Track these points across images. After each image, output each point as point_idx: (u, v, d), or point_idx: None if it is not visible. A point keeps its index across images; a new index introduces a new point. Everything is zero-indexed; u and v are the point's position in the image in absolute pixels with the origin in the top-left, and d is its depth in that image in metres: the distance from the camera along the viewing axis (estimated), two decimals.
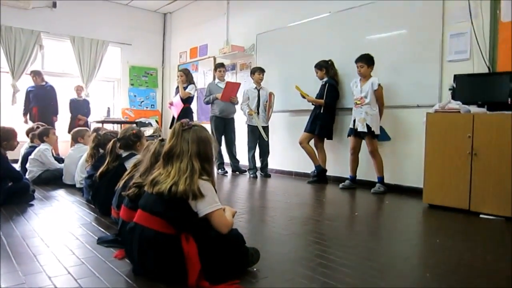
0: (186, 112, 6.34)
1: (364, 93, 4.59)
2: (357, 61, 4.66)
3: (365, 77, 4.65)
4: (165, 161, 1.87)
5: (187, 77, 6.40)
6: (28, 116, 6.96)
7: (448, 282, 1.92)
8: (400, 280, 1.95)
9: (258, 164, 6.05)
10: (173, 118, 6.56)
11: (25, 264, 2.05)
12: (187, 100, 6.37)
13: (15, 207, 3.43)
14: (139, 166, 2.72)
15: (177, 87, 6.52)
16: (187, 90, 6.31)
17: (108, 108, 7.97)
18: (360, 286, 1.83)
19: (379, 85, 4.51)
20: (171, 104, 6.62)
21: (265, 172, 5.96)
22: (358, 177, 4.91)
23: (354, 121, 4.69)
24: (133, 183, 2.12)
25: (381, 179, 4.58)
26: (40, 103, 6.92)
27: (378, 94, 4.55)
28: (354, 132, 4.70)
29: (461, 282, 1.93)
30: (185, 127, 1.90)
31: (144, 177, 2.12)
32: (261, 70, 5.95)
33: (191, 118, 6.43)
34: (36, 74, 7.01)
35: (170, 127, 6.22)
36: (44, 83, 7.04)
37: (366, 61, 4.59)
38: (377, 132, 4.54)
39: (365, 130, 4.53)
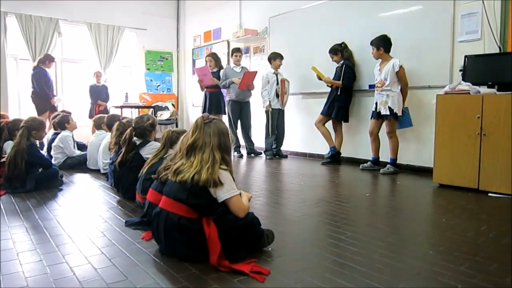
0: (218, 97, 6.43)
1: (384, 75, 4.60)
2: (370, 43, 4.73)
3: (377, 59, 4.71)
4: (188, 153, 2.04)
5: (216, 62, 6.40)
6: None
7: (449, 258, 2.06)
8: (404, 257, 2.10)
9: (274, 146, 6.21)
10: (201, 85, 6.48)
11: (63, 245, 2.27)
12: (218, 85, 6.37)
13: (46, 192, 3.67)
14: (159, 153, 2.94)
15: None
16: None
17: (126, 93, 8.16)
18: (366, 263, 2.00)
19: (400, 66, 4.50)
20: (201, 72, 6.40)
21: (280, 154, 6.15)
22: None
23: (376, 104, 4.74)
24: (165, 167, 2.28)
25: (393, 161, 4.68)
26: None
27: (401, 75, 4.54)
28: (376, 115, 4.76)
29: (462, 258, 2.07)
30: (206, 120, 2.06)
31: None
32: (281, 57, 5.97)
33: (223, 103, 6.51)
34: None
35: (202, 90, 6.39)
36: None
37: (376, 43, 4.64)
38: (399, 113, 4.57)
39: (388, 113, 4.57)
